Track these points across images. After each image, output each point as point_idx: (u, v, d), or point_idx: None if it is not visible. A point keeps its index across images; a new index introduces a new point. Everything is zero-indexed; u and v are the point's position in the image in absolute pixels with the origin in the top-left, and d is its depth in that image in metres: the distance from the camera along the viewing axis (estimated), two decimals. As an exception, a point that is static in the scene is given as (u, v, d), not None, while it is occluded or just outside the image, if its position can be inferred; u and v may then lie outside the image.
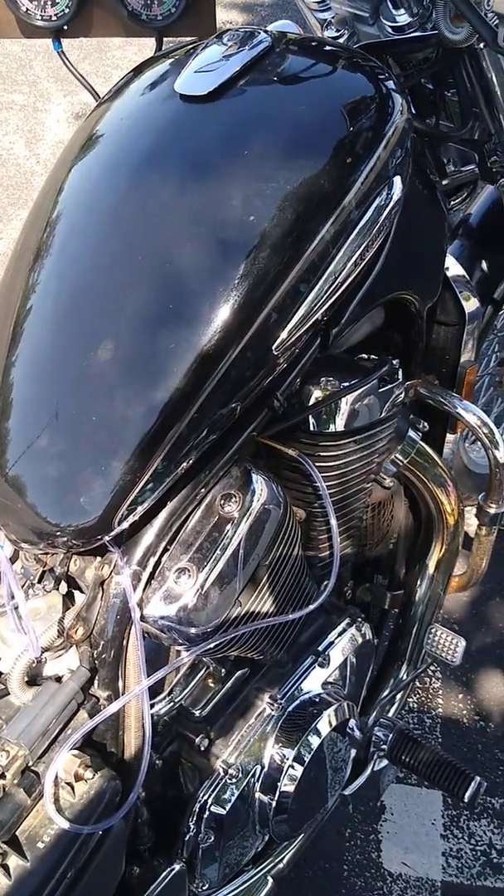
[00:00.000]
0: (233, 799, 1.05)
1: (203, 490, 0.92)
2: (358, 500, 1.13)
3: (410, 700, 1.77)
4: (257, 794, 1.08)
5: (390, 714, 1.41)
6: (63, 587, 0.92)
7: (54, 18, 1.18)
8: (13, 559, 0.94)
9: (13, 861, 0.81)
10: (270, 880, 1.22)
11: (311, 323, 0.90)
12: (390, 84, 0.95)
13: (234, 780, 1.05)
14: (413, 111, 1.10)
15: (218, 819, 1.04)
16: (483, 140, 1.19)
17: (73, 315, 0.89)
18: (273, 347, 0.88)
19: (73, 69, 1.26)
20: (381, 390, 1.10)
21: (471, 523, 1.37)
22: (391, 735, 1.33)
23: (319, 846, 1.56)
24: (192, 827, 1.03)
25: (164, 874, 1.00)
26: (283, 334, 0.88)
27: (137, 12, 1.17)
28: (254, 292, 0.85)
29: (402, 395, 1.14)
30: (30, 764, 0.85)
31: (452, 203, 1.32)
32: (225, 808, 1.04)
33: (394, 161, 0.92)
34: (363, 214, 0.90)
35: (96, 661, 0.90)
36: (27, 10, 1.17)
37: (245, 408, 0.91)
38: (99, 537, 0.86)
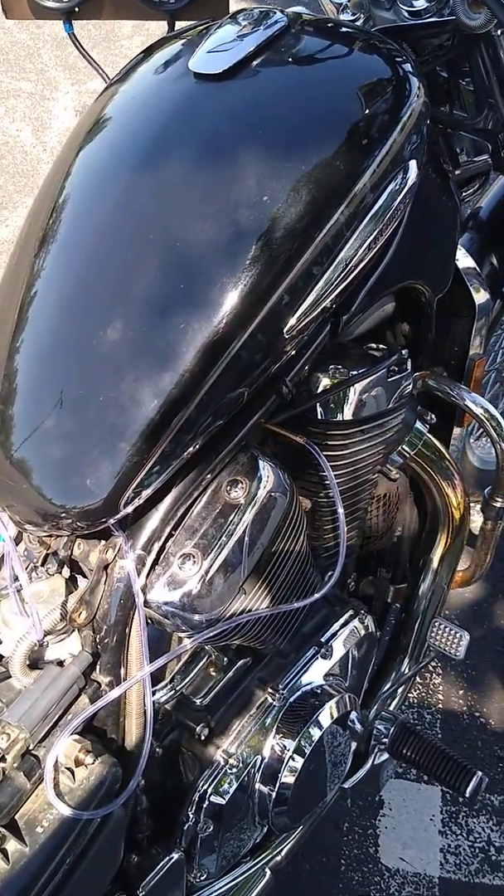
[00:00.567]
0: (232, 789, 1.04)
1: (209, 475, 0.91)
2: (364, 490, 1.12)
3: (410, 695, 1.76)
4: (257, 785, 1.07)
5: (391, 708, 1.40)
6: (66, 571, 0.91)
7: (65, 0, 1.17)
8: (16, 541, 0.93)
9: (12, 845, 0.81)
10: (268, 872, 1.22)
11: (321, 308, 0.89)
12: (407, 67, 0.94)
13: (234, 770, 1.04)
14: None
15: (217, 809, 1.03)
16: (497, 130, 1.17)
17: (81, 295, 0.88)
18: (284, 331, 0.87)
19: (84, 52, 1.24)
20: (389, 380, 1.09)
21: (475, 519, 1.36)
22: (393, 728, 1.32)
23: (317, 840, 1.55)
24: (192, 816, 1.03)
25: (162, 863, 1.00)
26: (294, 319, 0.87)
27: (150, -6, 1.16)
28: (267, 273, 0.83)
29: (411, 386, 1.13)
30: (30, 748, 0.84)
31: (464, 194, 1.30)
32: (224, 798, 1.03)
33: (410, 145, 0.91)
34: (377, 198, 0.89)
35: (98, 646, 0.89)
36: (38, -10, 1.16)
37: (253, 393, 0.90)
38: (104, 520, 0.85)
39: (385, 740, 1.32)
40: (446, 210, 1.12)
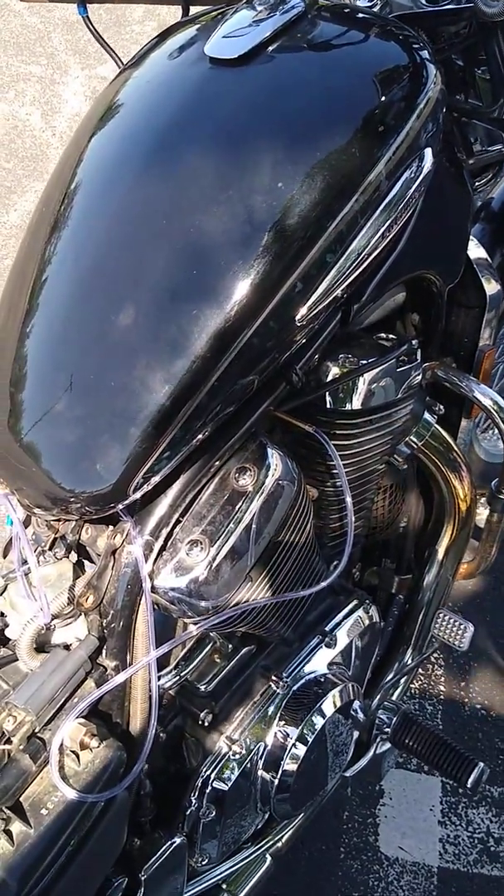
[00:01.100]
0: (235, 775, 1.04)
1: (218, 462, 0.91)
2: (371, 480, 1.12)
3: (413, 686, 1.76)
4: (260, 772, 1.08)
5: (394, 698, 1.40)
6: (74, 555, 0.91)
7: (80, -18, 1.16)
8: (25, 525, 0.93)
9: (16, 827, 0.81)
10: (269, 858, 1.22)
11: (333, 297, 0.89)
12: (424, 54, 0.93)
13: (237, 757, 1.05)
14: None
15: (220, 794, 1.04)
16: (512, 120, 1.17)
17: (93, 280, 0.88)
18: (295, 319, 0.86)
19: (97, 35, 1.23)
20: (398, 370, 1.08)
21: (480, 512, 1.35)
22: (395, 718, 1.32)
23: (317, 828, 1.56)
24: (194, 801, 1.03)
25: (164, 847, 1.00)
26: (306, 307, 0.87)
27: (165, -22, 1.15)
28: (280, 260, 0.83)
29: (420, 377, 1.13)
30: (36, 730, 0.84)
31: (477, 184, 1.30)
32: (227, 784, 1.04)
33: (426, 133, 0.91)
34: (392, 186, 0.88)
35: (105, 631, 0.89)
36: (53, -28, 1.15)
37: (263, 381, 0.90)
38: (112, 505, 0.85)
39: (387, 730, 1.33)
40: (459, 200, 1.12)
